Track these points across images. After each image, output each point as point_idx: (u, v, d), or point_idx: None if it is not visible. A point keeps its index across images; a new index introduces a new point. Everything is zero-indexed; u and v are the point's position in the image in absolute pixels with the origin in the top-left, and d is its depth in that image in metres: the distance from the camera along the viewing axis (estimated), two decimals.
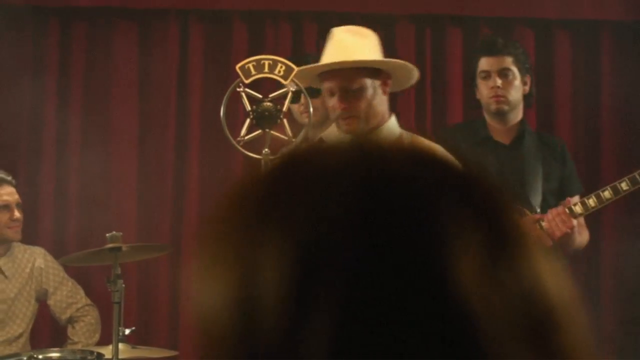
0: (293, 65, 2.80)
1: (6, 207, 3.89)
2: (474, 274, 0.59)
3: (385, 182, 0.61)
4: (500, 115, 3.79)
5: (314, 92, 3.09)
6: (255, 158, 2.75)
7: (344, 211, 0.59)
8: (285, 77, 2.78)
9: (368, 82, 3.10)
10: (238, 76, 2.80)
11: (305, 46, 4.81)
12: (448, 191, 0.62)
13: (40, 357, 3.24)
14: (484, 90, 3.81)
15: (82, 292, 4.12)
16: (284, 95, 2.81)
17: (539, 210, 3.73)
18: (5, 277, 3.95)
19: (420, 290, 0.58)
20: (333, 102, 3.08)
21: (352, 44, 3.10)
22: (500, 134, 3.83)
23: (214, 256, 0.63)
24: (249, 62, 2.79)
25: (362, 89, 3.07)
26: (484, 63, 3.80)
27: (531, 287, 0.62)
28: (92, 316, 4.06)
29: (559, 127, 4.73)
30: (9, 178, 3.97)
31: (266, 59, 2.80)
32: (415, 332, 0.57)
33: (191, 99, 4.78)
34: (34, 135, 4.70)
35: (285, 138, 2.84)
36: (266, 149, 2.79)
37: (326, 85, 3.10)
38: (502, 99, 3.77)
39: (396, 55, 4.86)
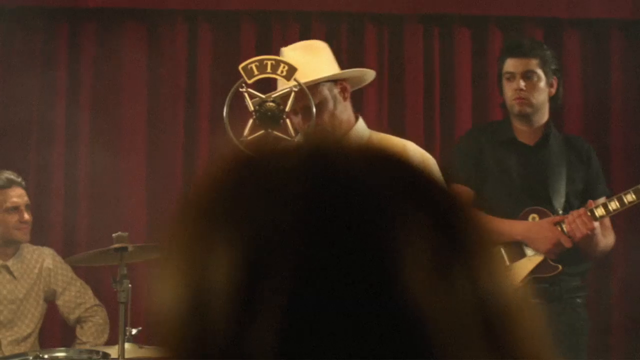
0: (295, 66, 2.80)
1: (15, 208, 3.92)
2: (424, 277, 0.59)
3: (336, 185, 0.61)
4: (523, 117, 3.79)
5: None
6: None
7: (291, 214, 0.59)
8: (287, 77, 2.78)
9: (327, 94, 3.08)
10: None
11: None
12: (401, 195, 0.62)
13: (46, 356, 3.26)
14: (508, 92, 3.80)
15: (90, 293, 4.14)
16: (287, 95, 2.82)
17: (561, 212, 3.72)
18: (14, 277, 3.98)
19: (367, 294, 0.58)
20: (298, 120, 3.07)
21: (303, 62, 3.03)
22: (524, 135, 3.82)
23: (169, 258, 0.63)
24: (252, 62, 2.79)
25: (322, 103, 3.04)
26: (509, 64, 3.78)
27: (484, 290, 0.62)
28: (100, 316, 4.08)
29: (568, 127, 4.72)
30: (19, 180, 3.99)
31: (269, 59, 2.80)
32: (362, 335, 0.57)
33: (200, 99, 4.79)
34: (44, 136, 4.72)
35: (288, 138, 2.84)
36: None
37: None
38: (524, 101, 3.76)
39: (404, 55, 4.88)
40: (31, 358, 3.25)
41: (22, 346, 3.89)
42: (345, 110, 3.13)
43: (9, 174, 3.98)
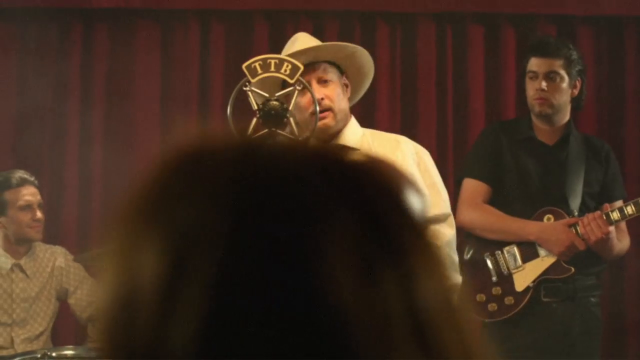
0: (299, 64, 2.81)
1: (28, 207, 3.95)
2: (350, 277, 0.59)
3: (265, 183, 0.61)
4: (544, 117, 3.77)
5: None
6: None
7: (218, 211, 0.60)
8: (291, 76, 2.79)
9: (336, 76, 3.13)
10: None
11: None
12: (331, 194, 0.62)
13: (53, 354, 3.29)
14: (530, 91, 3.77)
15: None
16: (291, 94, 2.82)
17: (576, 213, 3.70)
18: (27, 276, 4.01)
19: (290, 292, 0.58)
20: (308, 97, 3.06)
21: (312, 43, 3.14)
22: (544, 134, 3.80)
23: (107, 255, 0.64)
24: (255, 61, 2.80)
25: (333, 80, 3.10)
26: (533, 63, 3.75)
27: (418, 294, 0.62)
28: None
29: (582, 125, 4.69)
30: (32, 179, 4.02)
31: (272, 57, 2.81)
32: (283, 334, 0.58)
33: (212, 98, 4.81)
34: (58, 136, 4.76)
35: (293, 137, 2.85)
36: None
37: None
38: (545, 102, 3.73)
39: (416, 53, 4.87)
40: (39, 355, 3.28)
41: (35, 344, 3.92)
42: (346, 103, 3.16)
43: (22, 173, 4.01)
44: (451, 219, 3.14)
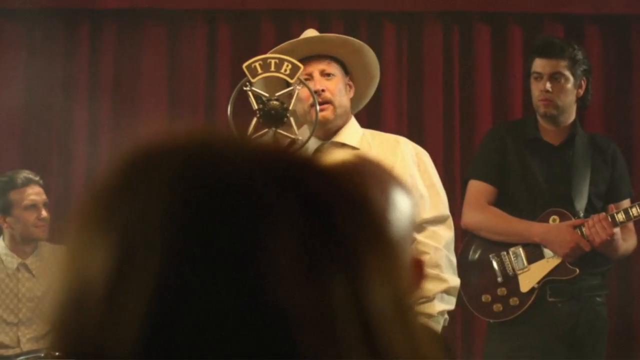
0: (299, 64, 2.81)
1: (33, 206, 3.97)
2: (293, 277, 0.59)
3: (210, 184, 0.61)
4: (549, 118, 3.76)
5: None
6: None
7: (160, 214, 0.60)
8: (291, 76, 2.79)
9: (339, 73, 3.13)
10: None
11: None
12: (279, 193, 0.61)
13: (57, 353, 3.30)
14: (534, 92, 3.76)
15: None
16: (291, 94, 2.83)
17: (582, 214, 3.69)
18: (33, 276, 4.03)
19: (231, 290, 0.58)
20: (310, 88, 3.05)
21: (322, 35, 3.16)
22: (550, 134, 3.79)
23: (64, 251, 0.65)
24: (255, 61, 2.80)
25: (336, 75, 3.10)
26: (538, 64, 3.74)
27: (368, 294, 0.62)
28: None
29: (590, 124, 4.68)
30: (37, 178, 4.04)
31: (272, 57, 2.82)
32: (224, 332, 0.58)
33: (219, 98, 4.82)
34: (65, 135, 4.78)
35: (292, 137, 2.85)
36: None
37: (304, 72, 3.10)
38: (550, 103, 3.72)
39: (423, 53, 4.87)
40: (43, 355, 3.29)
41: (41, 344, 3.94)
42: (348, 102, 3.16)
43: (27, 173, 4.03)
44: (450, 221, 3.13)
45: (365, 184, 1.28)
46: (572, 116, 3.81)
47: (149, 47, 4.82)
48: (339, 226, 0.63)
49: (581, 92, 3.79)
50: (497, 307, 3.69)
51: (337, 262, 0.61)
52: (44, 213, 4.00)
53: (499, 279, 3.71)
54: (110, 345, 0.58)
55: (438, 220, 3.09)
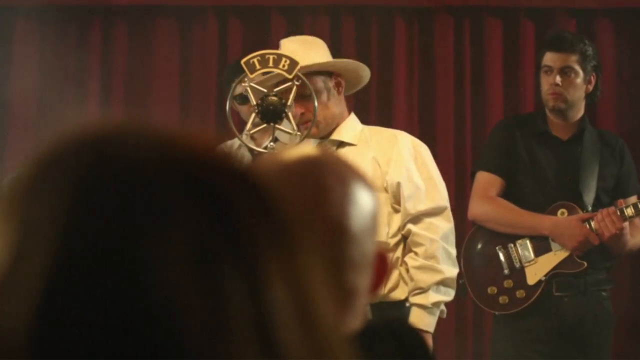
0: (297, 59, 2.83)
1: None
2: (188, 274, 0.59)
3: (110, 177, 0.61)
4: (558, 112, 3.76)
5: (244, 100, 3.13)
6: (260, 151, 2.80)
7: (58, 205, 0.61)
8: (289, 71, 2.82)
9: (321, 85, 3.10)
10: None
11: (344, 40, 4.83)
12: (176, 187, 0.61)
13: None
14: (544, 85, 3.76)
15: None
16: (289, 89, 2.85)
17: (590, 208, 3.69)
18: None
19: (117, 287, 0.58)
20: (296, 108, 3.05)
21: (301, 53, 3.02)
22: (559, 129, 3.80)
23: None
24: (254, 56, 2.83)
25: (316, 93, 3.04)
26: (548, 58, 3.74)
27: (266, 290, 0.61)
28: None
29: (601, 120, 4.65)
30: None
31: (271, 53, 2.84)
32: (114, 331, 0.58)
33: None
34: None
35: (291, 132, 2.87)
36: (270, 143, 2.83)
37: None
38: (559, 97, 3.72)
39: (434, 48, 4.87)
40: None
41: None
42: (338, 103, 3.16)
43: None
44: (447, 212, 3.14)
45: (324, 178, 1.29)
46: (580, 111, 3.81)
47: (160, 43, 4.85)
48: (238, 222, 0.62)
49: (590, 87, 3.78)
50: (503, 299, 3.69)
51: (233, 258, 0.61)
52: None
53: (506, 271, 3.71)
54: (3, 334, 0.59)
55: (435, 212, 3.10)
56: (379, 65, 4.79)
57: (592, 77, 3.78)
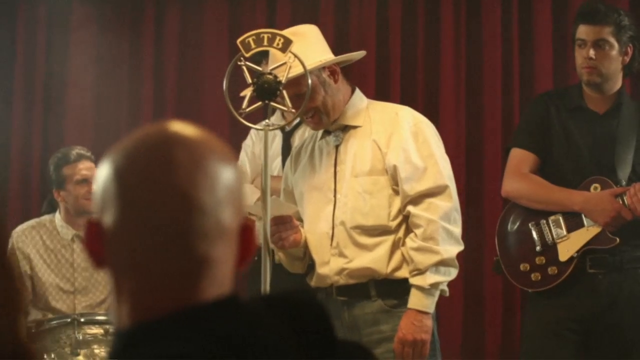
0: (291, 38, 2.87)
1: (85, 180, 4.14)
2: None
3: None
4: (593, 85, 3.69)
5: None
6: (257, 129, 2.84)
7: None
8: (283, 50, 2.86)
9: (315, 80, 3.07)
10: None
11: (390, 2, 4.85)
12: None
13: (82, 319, 3.50)
14: (578, 59, 3.69)
15: None
16: (284, 67, 2.88)
17: (624, 182, 3.62)
18: None
19: None
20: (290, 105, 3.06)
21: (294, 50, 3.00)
22: (595, 102, 3.73)
23: None
24: (249, 36, 2.87)
25: (312, 91, 3.03)
26: (582, 31, 3.67)
27: None
28: None
29: None
30: (88, 154, 4.22)
31: (265, 32, 2.88)
32: None
33: None
34: (133, 110, 4.97)
35: (285, 109, 2.91)
36: (267, 120, 2.87)
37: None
38: (593, 70, 3.65)
39: (481, 22, 4.82)
40: (69, 320, 3.50)
41: (97, 310, 4.12)
42: (338, 91, 3.15)
43: (79, 149, 4.21)
44: (449, 191, 3.11)
45: (173, 151, 1.30)
46: (617, 84, 3.72)
47: (211, 26, 4.95)
48: None
49: (627, 59, 3.69)
50: (536, 276, 3.65)
51: None
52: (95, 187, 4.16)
53: (538, 248, 3.66)
54: None
55: (435, 191, 3.09)
56: (426, 30, 4.81)
57: (628, 49, 3.68)
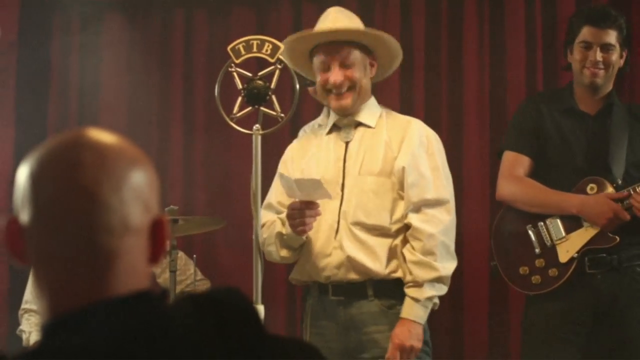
0: (279, 44, 2.98)
1: None
2: None
3: None
4: (592, 88, 3.73)
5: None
6: (247, 134, 2.95)
7: None
8: (272, 55, 2.96)
9: (359, 58, 3.23)
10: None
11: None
12: None
13: None
14: (580, 60, 3.71)
15: (192, 268, 4.34)
16: (272, 73, 2.99)
17: (620, 182, 3.64)
18: None
19: None
20: (327, 76, 3.22)
21: (343, 20, 3.23)
22: (586, 104, 3.75)
23: None
24: (239, 43, 2.99)
25: (355, 64, 3.20)
26: (588, 33, 3.69)
27: None
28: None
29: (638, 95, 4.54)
30: None
31: (254, 39, 3.00)
32: None
33: None
34: (163, 112, 5.11)
35: (274, 114, 3.01)
36: (257, 125, 2.98)
37: (320, 59, 3.24)
38: (599, 72, 3.69)
39: (505, 16, 4.85)
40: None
41: None
42: (368, 83, 3.30)
43: None
44: (449, 206, 3.20)
45: (81, 154, 1.39)
46: (610, 85, 3.75)
47: (237, 31, 5.05)
48: None
49: (622, 62, 3.73)
50: (536, 279, 3.65)
51: None
52: None
53: (537, 250, 3.67)
54: None
55: (437, 203, 3.17)
56: (449, 38, 4.86)
57: (624, 52, 3.72)
